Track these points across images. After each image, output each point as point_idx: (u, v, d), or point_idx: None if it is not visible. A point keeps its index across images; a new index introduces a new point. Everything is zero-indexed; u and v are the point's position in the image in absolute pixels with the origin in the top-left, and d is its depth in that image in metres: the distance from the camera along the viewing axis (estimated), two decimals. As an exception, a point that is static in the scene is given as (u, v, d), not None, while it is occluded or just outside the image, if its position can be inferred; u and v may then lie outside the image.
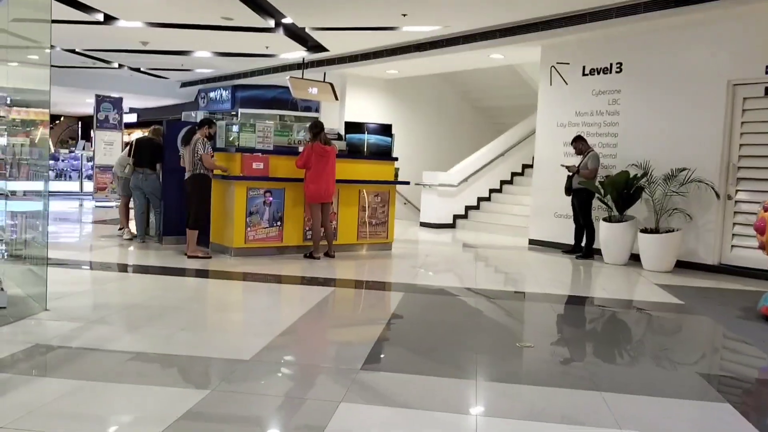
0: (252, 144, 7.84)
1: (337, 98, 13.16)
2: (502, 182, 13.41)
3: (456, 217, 12.85)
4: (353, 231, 8.66)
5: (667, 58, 8.76)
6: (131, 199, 8.90)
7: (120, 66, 16.39)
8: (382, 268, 7.89)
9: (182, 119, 10.88)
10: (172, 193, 8.43)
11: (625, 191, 8.54)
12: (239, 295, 6.14)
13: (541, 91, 10.50)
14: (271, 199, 7.87)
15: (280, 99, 16.62)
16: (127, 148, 8.94)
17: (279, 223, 7.97)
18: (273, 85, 16.46)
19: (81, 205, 15.38)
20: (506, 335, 5.05)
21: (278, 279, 6.79)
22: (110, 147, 14.09)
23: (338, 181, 8.21)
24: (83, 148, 17.55)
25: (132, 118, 23.18)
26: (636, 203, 8.62)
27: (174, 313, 4.91)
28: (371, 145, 8.91)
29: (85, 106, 21.18)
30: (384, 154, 8.98)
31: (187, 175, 7.45)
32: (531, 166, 13.39)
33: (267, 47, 12.71)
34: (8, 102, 5.84)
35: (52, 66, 15.72)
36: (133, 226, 8.94)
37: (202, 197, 7.48)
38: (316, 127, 7.84)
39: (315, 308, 5.34)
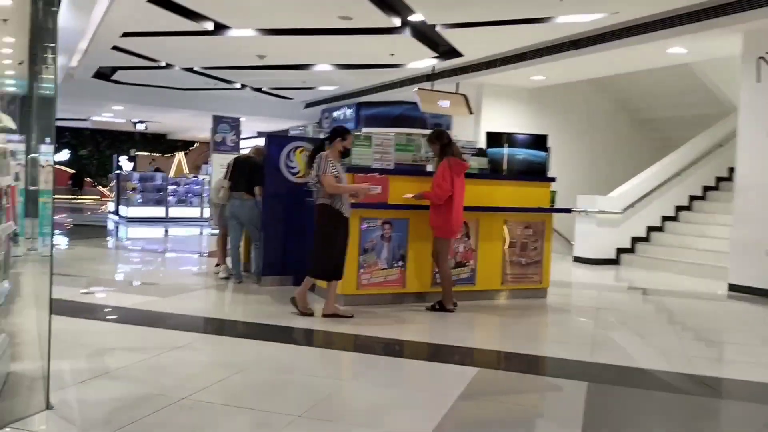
0: (368, 162, 6.12)
1: (471, 112, 11.27)
2: (678, 208, 10.80)
3: (620, 251, 10.41)
4: (496, 273, 6.66)
5: None
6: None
7: (242, 86, 15.65)
8: (540, 330, 5.82)
9: (289, 133, 9.51)
10: (272, 223, 6.93)
11: None
12: (334, 382, 4.08)
13: (744, 91, 8.01)
14: (391, 232, 6.10)
15: (407, 116, 15.02)
16: (225, 169, 7.57)
17: (401, 263, 6.16)
18: (399, 101, 14.93)
19: (201, 233, 14.58)
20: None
21: (399, 348, 4.90)
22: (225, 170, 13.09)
23: (476, 208, 6.34)
24: (206, 173, 16.96)
25: (260, 141, 22.76)
26: None
27: (227, 423, 3.17)
28: (518, 161, 6.91)
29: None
30: (536, 173, 6.95)
31: None
32: (715, 189, 10.80)
33: (392, 54, 11.14)
34: None
35: (174, 88, 15.02)
36: (231, 262, 7.51)
37: (324, 235, 5.44)
38: (442, 137, 5.95)
39: (448, 419, 3.37)
